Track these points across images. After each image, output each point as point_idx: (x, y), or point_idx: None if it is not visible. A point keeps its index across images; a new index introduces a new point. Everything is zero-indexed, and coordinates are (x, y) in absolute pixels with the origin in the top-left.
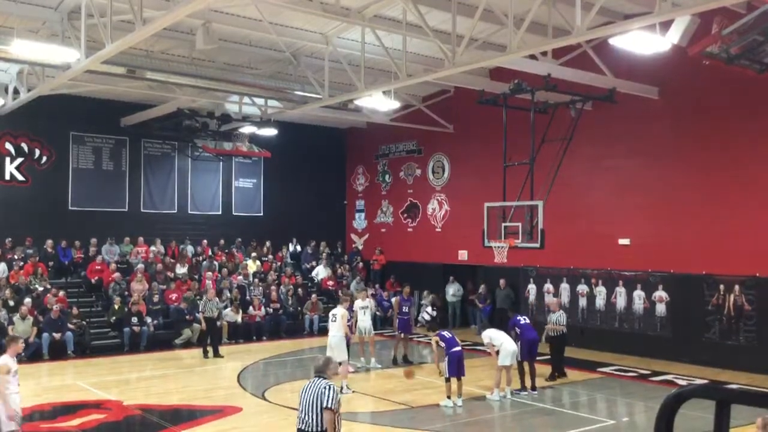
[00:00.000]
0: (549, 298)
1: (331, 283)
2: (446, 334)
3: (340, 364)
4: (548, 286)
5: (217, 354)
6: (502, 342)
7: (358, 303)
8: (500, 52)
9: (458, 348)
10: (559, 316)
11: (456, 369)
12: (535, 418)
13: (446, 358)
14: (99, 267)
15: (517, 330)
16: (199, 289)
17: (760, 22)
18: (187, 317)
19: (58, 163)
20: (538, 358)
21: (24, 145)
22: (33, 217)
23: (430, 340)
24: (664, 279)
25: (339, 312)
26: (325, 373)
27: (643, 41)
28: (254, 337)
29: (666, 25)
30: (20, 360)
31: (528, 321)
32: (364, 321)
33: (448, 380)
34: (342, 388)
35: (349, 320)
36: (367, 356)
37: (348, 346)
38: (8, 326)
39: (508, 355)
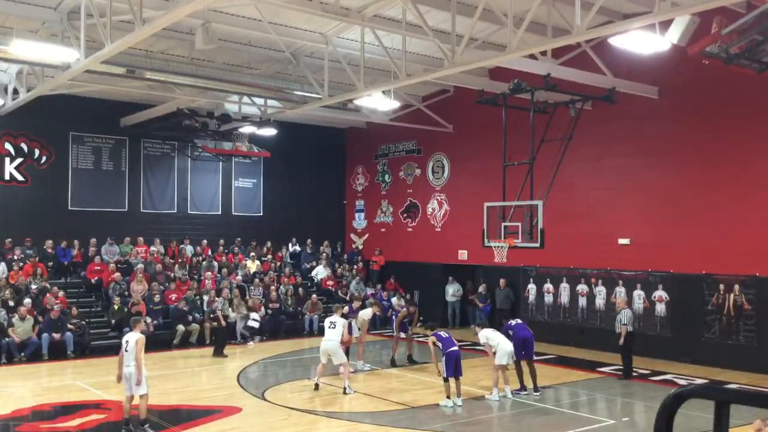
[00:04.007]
0: (617, 298)
1: (330, 283)
2: (443, 334)
3: (341, 365)
4: (548, 286)
5: (219, 353)
6: (498, 342)
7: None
8: (500, 52)
9: (455, 348)
10: (623, 315)
11: (453, 369)
12: (535, 418)
13: (443, 359)
14: (98, 267)
15: (510, 332)
16: (198, 289)
17: (759, 22)
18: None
19: (58, 163)
20: (539, 357)
21: (23, 145)
22: (32, 217)
23: (427, 339)
24: (664, 279)
25: (339, 321)
26: None
27: (642, 41)
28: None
29: (665, 25)
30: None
31: (521, 321)
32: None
33: (446, 380)
34: (345, 388)
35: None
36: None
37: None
38: (8, 327)
39: (505, 355)
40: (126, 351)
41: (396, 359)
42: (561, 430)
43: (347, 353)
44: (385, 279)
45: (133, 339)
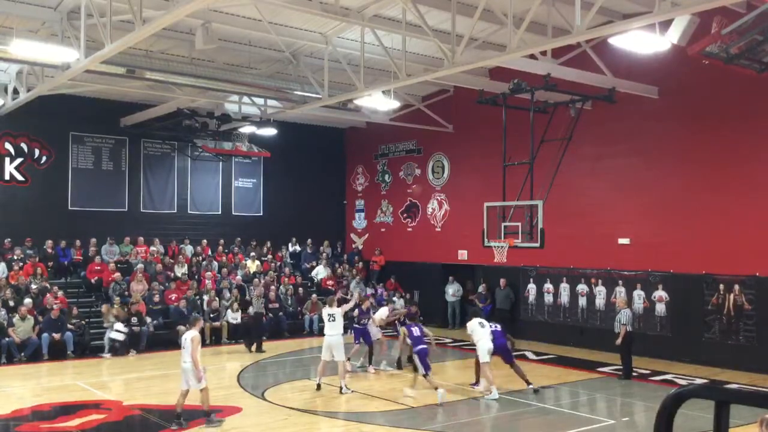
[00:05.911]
0: (617, 298)
1: (330, 283)
2: (415, 331)
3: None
4: (548, 286)
5: (259, 349)
6: (479, 339)
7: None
8: (500, 52)
9: (424, 346)
10: (623, 315)
11: (426, 364)
12: (534, 418)
13: (415, 357)
14: (98, 267)
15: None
16: (198, 289)
17: (759, 22)
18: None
19: (58, 163)
20: (539, 357)
21: (24, 145)
22: (33, 217)
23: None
24: (664, 279)
25: (337, 313)
26: None
27: (642, 41)
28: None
29: (665, 25)
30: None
31: (499, 327)
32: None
33: (425, 376)
34: (341, 387)
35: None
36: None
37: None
38: (8, 327)
39: (483, 352)
40: (183, 348)
41: (402, 360)
42: (561, 430)
43: (371, 354)
44: (385, 279)
45: (189, 336)
